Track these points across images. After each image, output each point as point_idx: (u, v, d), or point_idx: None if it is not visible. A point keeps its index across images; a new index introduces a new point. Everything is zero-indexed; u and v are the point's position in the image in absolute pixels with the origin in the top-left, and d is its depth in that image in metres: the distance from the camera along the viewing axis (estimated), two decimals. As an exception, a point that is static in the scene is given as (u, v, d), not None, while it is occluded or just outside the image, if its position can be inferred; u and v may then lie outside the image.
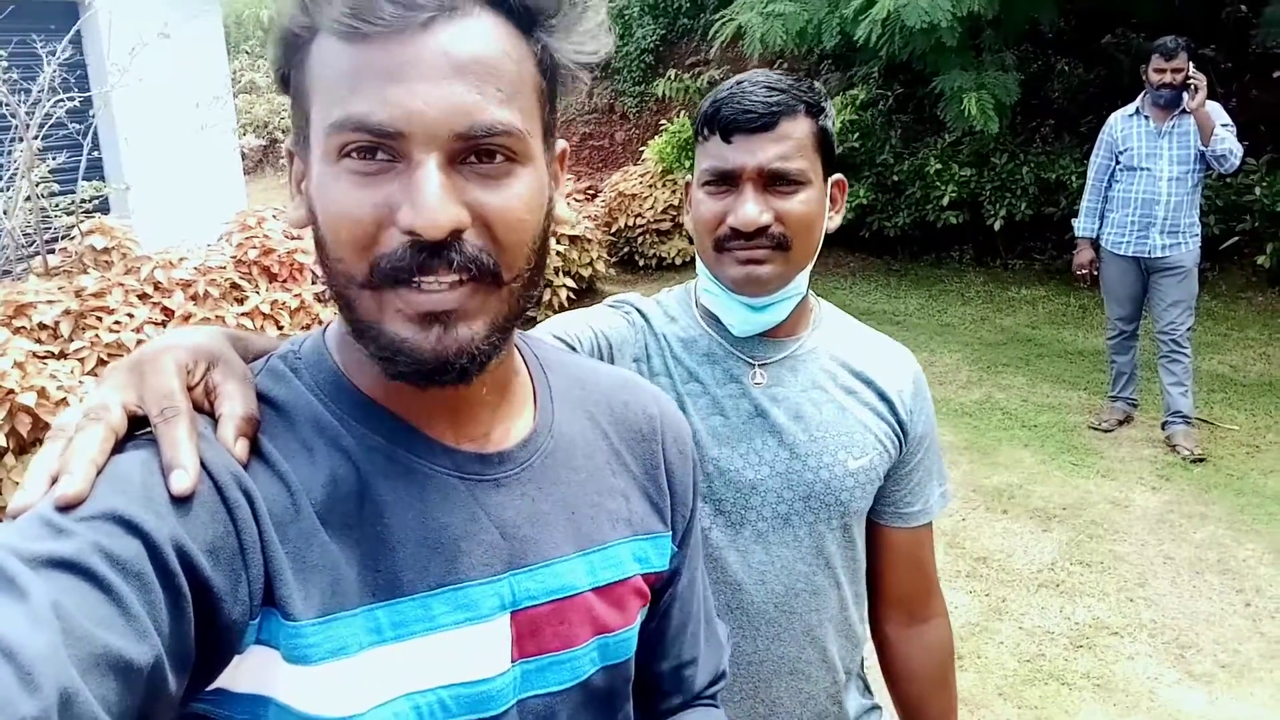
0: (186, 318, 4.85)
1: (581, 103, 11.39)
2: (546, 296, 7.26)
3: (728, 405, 1.24)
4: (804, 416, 1.25)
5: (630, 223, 8.76)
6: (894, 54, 6.78)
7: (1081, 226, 5.21)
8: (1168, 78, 4.71)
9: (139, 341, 4.46)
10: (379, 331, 0.66)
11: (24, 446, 3.76)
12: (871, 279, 8.57)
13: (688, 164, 8.78)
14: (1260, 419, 5.35)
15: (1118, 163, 4.98)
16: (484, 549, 0.73)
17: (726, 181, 1.19)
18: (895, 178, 8.38)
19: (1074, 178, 7.48)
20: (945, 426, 5.20)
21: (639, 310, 1.31)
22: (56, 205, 5.72)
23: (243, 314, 5.06)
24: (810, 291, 1.31)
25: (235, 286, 5.28)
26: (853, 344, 1.33)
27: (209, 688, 0.65)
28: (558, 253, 7.52)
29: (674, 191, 8.75)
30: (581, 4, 0.70)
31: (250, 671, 0.66)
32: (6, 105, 5.33)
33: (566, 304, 7.22)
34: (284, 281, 5.58)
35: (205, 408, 0.68)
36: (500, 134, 0.65)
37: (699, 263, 1.28)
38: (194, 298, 5.04)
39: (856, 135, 8.44)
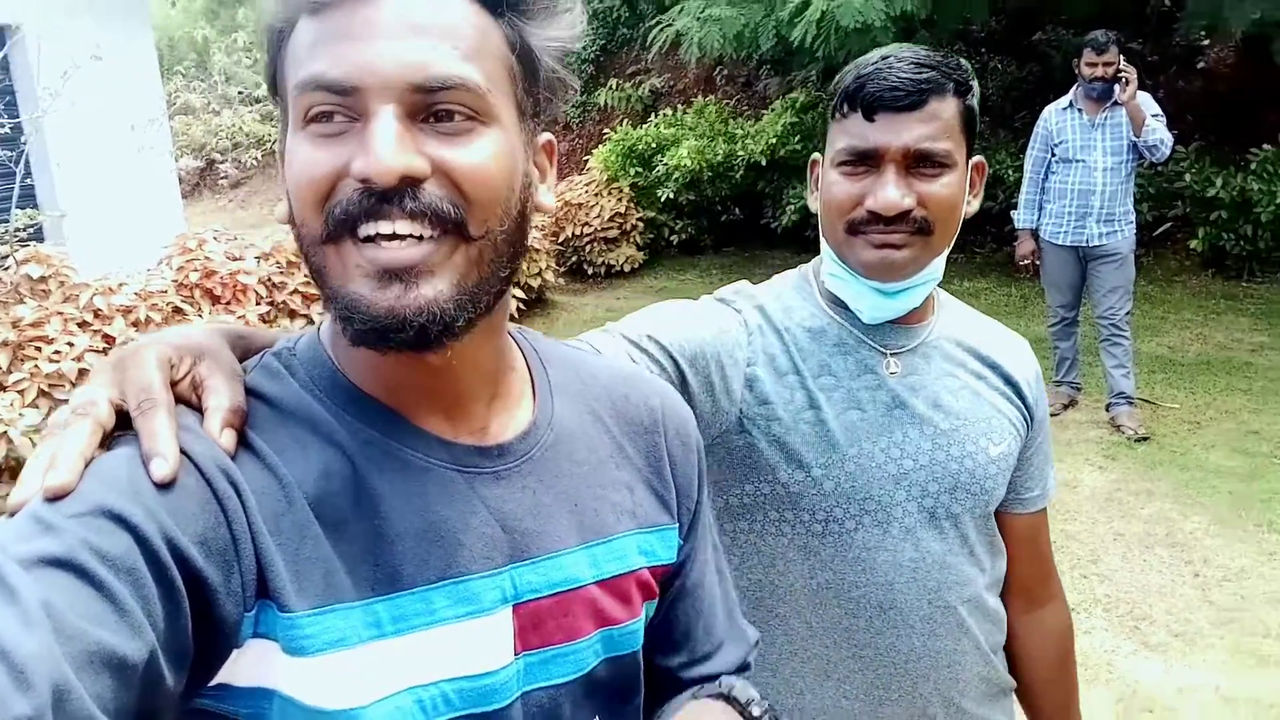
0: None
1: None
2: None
3: (864, 398, 1.19)
4: (943, 405, 1.21)
5: (578, 231, 8.77)
6: (831, 56, 6.87)
7: (1021, 218, 5.32)
8: (1099, 71, 4.83)
9: (81, 371, 4.37)
10: (342, 292, 0.66)
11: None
12: (819, 279, 8.64)
13: (632, 172, 8.83)
14: (1199, 396, 5.50)
15: (1053, 155, 5.10)
16: (484, 542, 0.73)
17: (866, 161, 1.12)
18: (837, 178, 8.47)
19: (1011, 172, 7.63)
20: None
21: (759, 307, 1.24)
22: (-11, 235, 5.59)
23: (187, 337, 4.97)
24: None
25: (178, 311, 5.19)
26: (974, 329, 1.29)
27: (211, 683, 0.64)
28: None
29: (620, 199, 8.78)
30: None
31: (251, 665, 0.65)
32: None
33: (516, 315, 7.20)
34: (227, 303, 5.50)
35: (193, 402, 0.68)
36: (458, 87, 0.64)
37: (824, 246, 1.22)
38: (135, 324, 4.95)
39: (798, 138, 8.54)
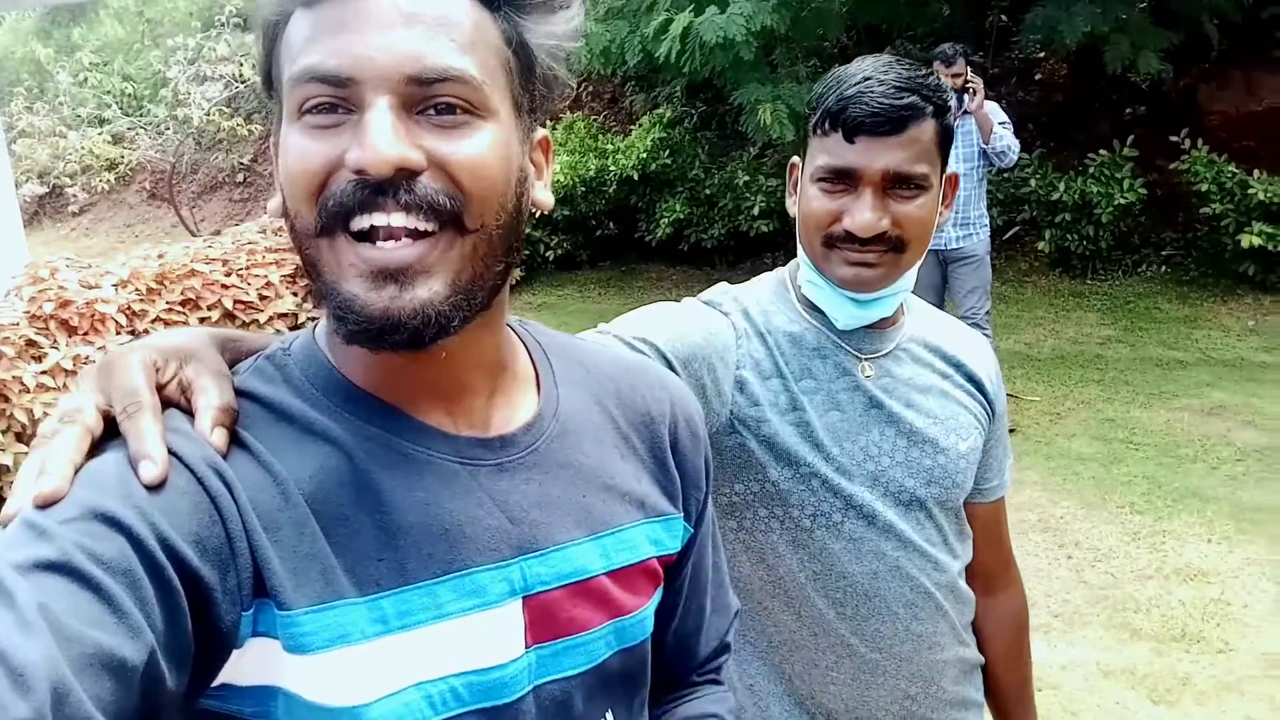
0: (-24, 381, 4.44)
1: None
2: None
3: (843, 399, 1.23)
4: (915, 405, 1.25)
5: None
6: (695, 71, 7.01)
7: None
8: (949, 82, 5.08)
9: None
10: (336, 290, 0.65)
11: None
12: (694, 290, 8.68)
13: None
14: (1057, 389, 5.83)
15: (910, 162, 5.32)
16: (490, 534, 0.72)
17: (844, 180, 1.15)
18: (707, 191, 8.66)
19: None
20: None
21: (744, 311, 1.26)
22: None
23: (42, 372, 4.69)
24: None
25: (31, 344, 4.88)
26: (938, 330, 1.34)
27: (214, 683, 0.63)
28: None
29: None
30: None
31: (254, 663, 0.64)
32: None
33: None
34: (85, 334, 5.20)
35: (183, 404, 0.67)
36: (455, 80, 0.64)
37: (801, 254, 1.25)
38: (-17, 360, 4.63)
39: (667, 153, 8.68)
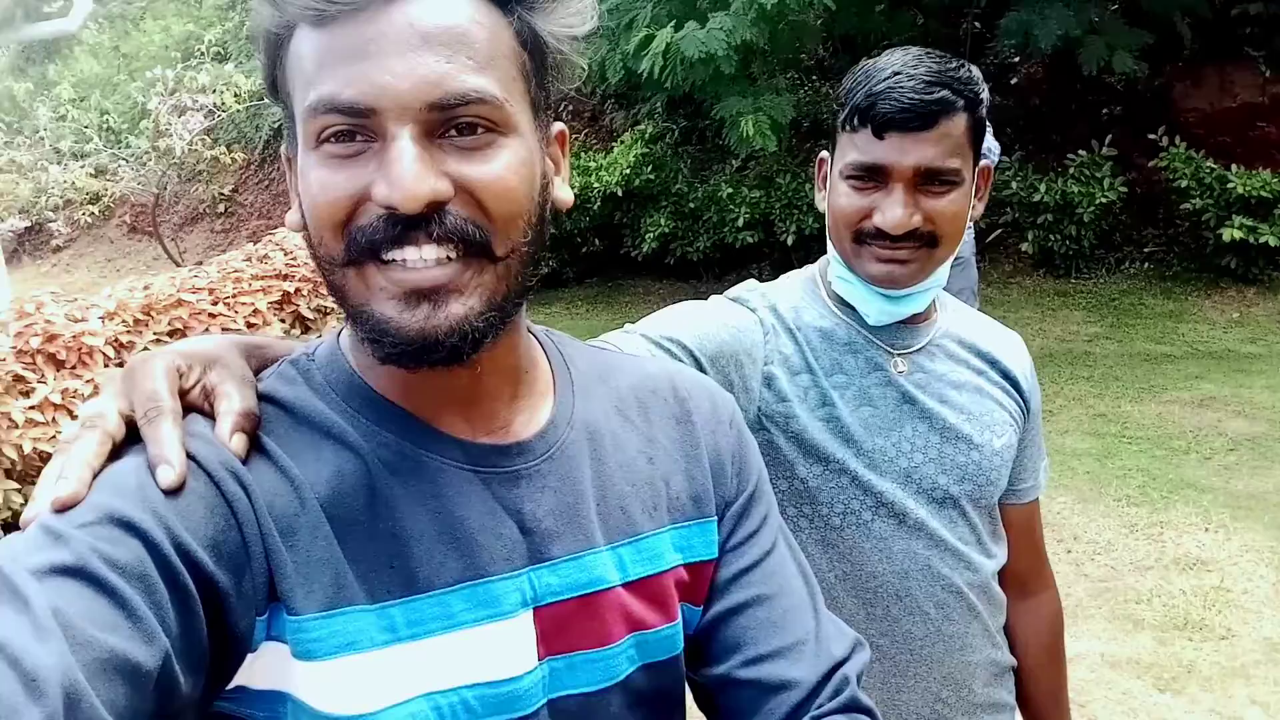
0: (-35, 418, 4.40)
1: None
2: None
3: (875, 395, 1.21)
4: (949, 401, 1.23)
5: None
6: (677, 85, 7.06)
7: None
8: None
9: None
10: (368, 313, 0.65)
11: None
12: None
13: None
14: (1048, 386, 5.85)
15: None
16: (503, 544, 0.71)
17: (875, 177, 1.12)
18: (691, 204, 8.69)
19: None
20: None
21: (771, 307, 1.24)
22: None
23: (30, 407, 4.65)
24: None
25: (19, 379, 4.85)
26: (972, 326, 1.32)
27: (229, 686, 0.63)
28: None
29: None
30: None
31: (266, 668, 0.64)
32: None
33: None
34: (73, 368, 5.17)
35: (205, 409, 0.67)
36: (475, 101, 0.63)
37: (831, 250, 1.22)
38: (-29, 397, 4.59)
39: (650, 168, 8.71)
